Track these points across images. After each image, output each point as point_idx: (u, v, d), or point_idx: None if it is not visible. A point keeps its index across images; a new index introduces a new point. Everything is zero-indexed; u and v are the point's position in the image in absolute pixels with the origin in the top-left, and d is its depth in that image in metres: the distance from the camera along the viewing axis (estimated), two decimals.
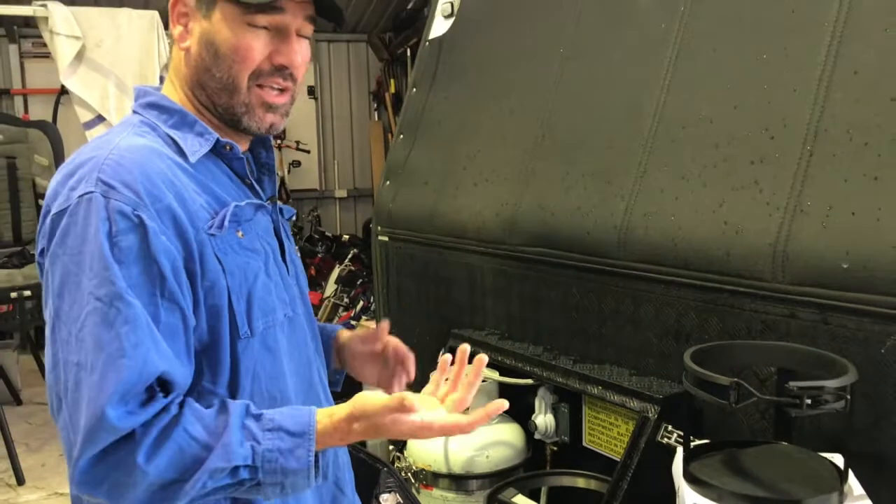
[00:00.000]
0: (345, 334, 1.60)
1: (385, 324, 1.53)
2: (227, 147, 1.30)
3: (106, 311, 1.09)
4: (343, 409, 1.19)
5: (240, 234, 1.26)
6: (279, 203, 1.45)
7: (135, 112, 1.32)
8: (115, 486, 1.10)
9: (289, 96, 1.33)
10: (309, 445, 1.15)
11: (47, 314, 1.16)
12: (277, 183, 1.46)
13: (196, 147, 1.26)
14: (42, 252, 1.18)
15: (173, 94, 1.33)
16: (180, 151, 1.25)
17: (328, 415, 1.19)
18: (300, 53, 1.31)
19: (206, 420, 1.13)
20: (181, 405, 1.14)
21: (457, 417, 1.24)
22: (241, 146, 1.34)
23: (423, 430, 1.20)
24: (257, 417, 1.16)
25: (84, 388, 1.09)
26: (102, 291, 1.10)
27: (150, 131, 1.27)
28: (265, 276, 1.29)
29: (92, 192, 1.13)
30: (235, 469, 1.12)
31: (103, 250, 1.11)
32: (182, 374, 1.15)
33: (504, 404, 1.25)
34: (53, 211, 1.16)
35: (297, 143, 7.83)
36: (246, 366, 1.24)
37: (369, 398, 1.19)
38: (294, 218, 1.59)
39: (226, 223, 1.24)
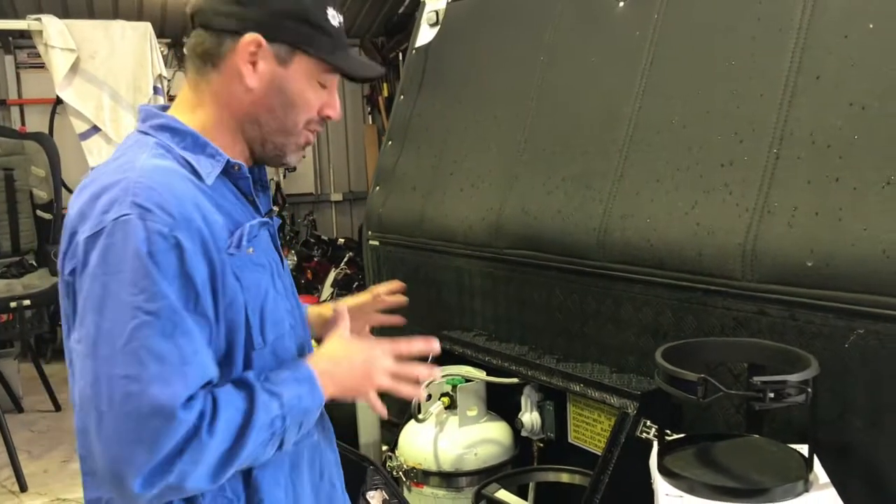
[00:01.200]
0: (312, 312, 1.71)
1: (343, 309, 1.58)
2: (236, 167, 1.38)
3: (162, 325, 1.17)
4: (326, 352, 1.41)
5: (250, 250, 1.35)
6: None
7: (145, 133, 1.37)
8: (181, 474, 1.16)
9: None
10: (317, 385, 1.33)
11: (82, 332, 1.20)
12: (270, 198, 1.54)
13: (209, 168, 1.34)
14: (72, 272, 1.23)
15: (198, 116, 1.39)
16: (194, 172, 1.33)
17: (319, 359, 1.39)
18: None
19: (235, 394, 1.24)
20: (212, 392, 1.24)
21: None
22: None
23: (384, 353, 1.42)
24: (267, 379, 1.30)
25: (139, 398, 1.14)
26: (154, 306, 1.17)
27: (166, 153, 1.33)
28: (273, 289, 1.39)
29: (128, 214, 1.19)
30: (272, 421, 1.25)
31: (148, 268, 1.17)
32: (217, 377, 1.26)
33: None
34: (86, 234, 1.21)
35: None
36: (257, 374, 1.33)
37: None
38: (280, 224, 1.66)
39: (243, 242, 1.32)
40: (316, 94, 1.40)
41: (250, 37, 1.33)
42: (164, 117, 1.38)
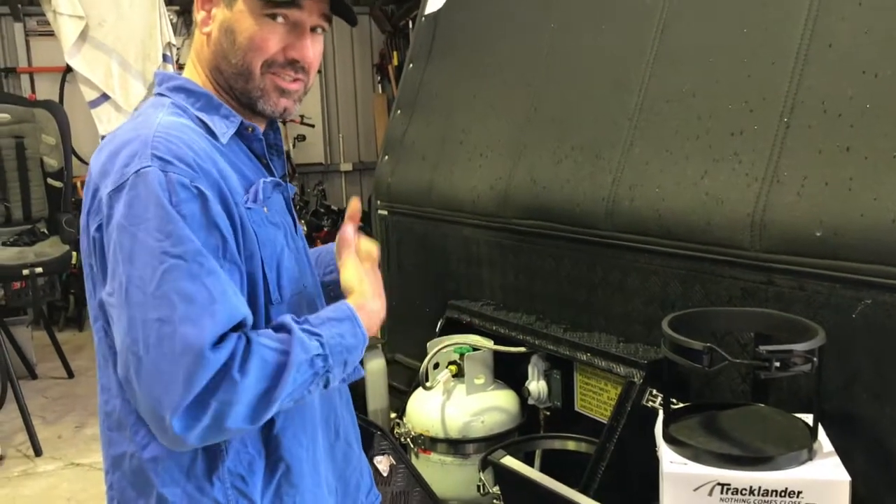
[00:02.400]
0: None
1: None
2: (250, 129, 1.40)
3: (189, 266, 1.19)
4: (353, 290, 1.42)
5: (265, 209, 1.37)
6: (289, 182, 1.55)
7: (161, 95, 1.39)
8: (217, 413, 1.18)
9: (301, 85, 1.42)
10: (358, 323, 1.35)
11: (114, 284, 1.22)
12: (285, 163, 1.55)
13: (224, 129, 1.36)
14: (99, 227, 1.25)
15: (196, 77, 1.41)
16: (210, 132, 1.35)
17: (354, 298, 1.41)
18: (313, 49, 1.40)
19: (272, 335, 1.26)
20: (246, 335, 1.25)
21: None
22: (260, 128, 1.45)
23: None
24: (305, 321, 1.30)
25: (171, 339, 1.16)
26: (180, 249, 1.19)
27: (181, 113, 1.35)
28: (287, 249, 1.41)
29: (149, 166, 1.21)
30: (312, 360, 1.26)
31: (171, 213, 1.20)
32: (251, 319, 1.27)
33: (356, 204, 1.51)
34: (109, 188, 1.23)
35: (302, 117, 7.88)
36: None
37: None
38: (296, 193, 1.68)
39: (259, 197, 1.35)
40: (270, 33, 1.34)
41: None
42: (179, 79, 1.40)
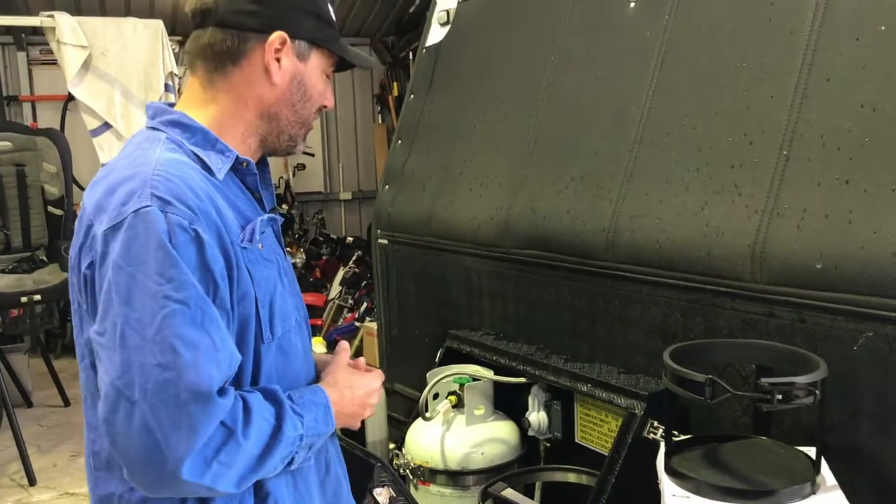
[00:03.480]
0: None
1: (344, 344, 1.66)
2: (244, 164, 1.40)
3: (192, 313, 1.18)
4: (330, 380, 1.47)
5: (260, 246, 1.36)
6: (281, 215, 1.56)
7: (155, 129, 1.38)
8: (217, 473, 1.18)
9: None
10: (331, 411, 1.38)
11: (106, 324, 1.20)
12: (274, 195, 1.56)
13: (220, 164, 1.36)
14: (91, 265, 1.24)
15: (195, 111, 1.40)
16: (206, 167, 1.34)
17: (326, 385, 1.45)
18: None
19: (266, 404, 1.27)
20: (238, 395, 1.25)
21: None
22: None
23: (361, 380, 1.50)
24: (290, 398, 1.33)
25: (175, 385, 1.15)
26: (183, 295, 1.18)
27: (177, 148, 1.34)
28: (281, 285, 1.40)
29: (148, 206, 1.20)
30: (294, 439, 1.28)
31: (173, 258, 1.19)
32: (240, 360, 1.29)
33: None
34: (105, 226, 1.22)
35: None
36: (265, 366, 1.35)
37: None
38: (282, 223, 1.69)
39: (255, 236, 1.34)
40: (325, 86, 1.46)
41: (276, 34, 1.37)
42: (174, 113, 1.39)
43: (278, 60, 1.38)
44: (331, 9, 1.45)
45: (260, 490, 1.34)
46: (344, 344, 1.57)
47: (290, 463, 1.31)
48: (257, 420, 1.23)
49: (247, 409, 1.22)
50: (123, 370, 1.17)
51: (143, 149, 1.32)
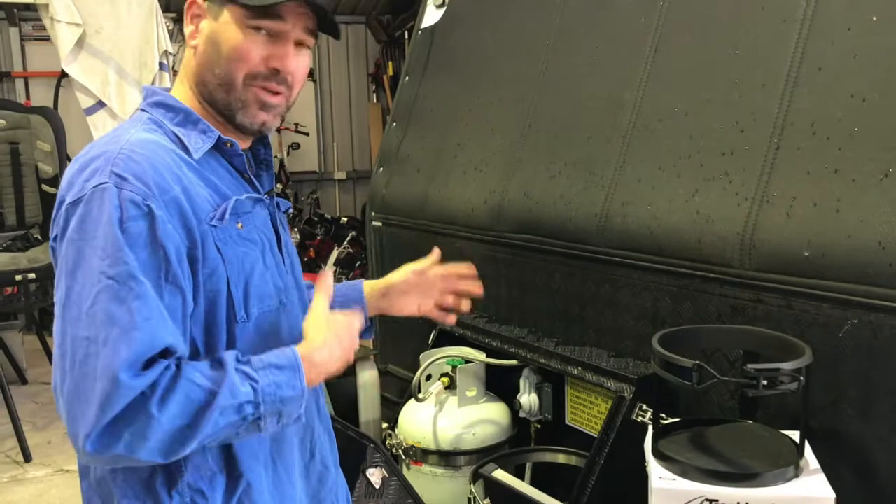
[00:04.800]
0: (374, 284, 1.75)
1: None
2: (228, 144, 1.40)
3: (118, 289, 1.19)
4: (307, 337, 1.37)
5: (239, 225, 1.36)
6: (278, 197, 1.55)
7: (143, 110, 1.41)
8: (129, 444, 1.18)
9: (283, 99, 1.41)
10: (300, 374, 1.30)
11: (58, 295, 1.24)
12: (275, 177, 1.56)
13: (199, 144, 1.36)
14: (56, 238, 1.27)
15: (182, 92, 1.42)
16: (185, 148, 1.35)
17: (303, 346, 1.35)
18: (296, 61, 1.40)
19: (205, 370, 1.24)
20: (178, 365, 1.23)
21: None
22: (243, 144, 1.44)
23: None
24: (247, 362, 1.27)
25: (95, 359, 1.17)
26: (115, 271, 1.20)
27: (157, 128, 1.36)
28: (262, 265, 1.39)
29: (106, 182, 1.23)
30: (241, 406, 1.23)
31: (116, 234, 1.20)
32: (182, 348, 1.26)
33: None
34: (68, 200, 1.25)
35: (296, 125, 7.90)
36: (241, 348, 1.34)
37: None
38: (291, 211, 1.69)
39: (226, 216, 1.34)
40: (253, 43, 1.35)
41: None
42: (161, 94, 1.41)
43: (196, 25, 1.38)
44: None
45: (233, 471, 1.35)
46: (325, 280, 1.45)
47: (259, 430, 1.27)
48: (183, 388, 1.19)
49: (175, 378, 1.20)
50: (62, 339, 1.21)
51: (123, 129, 1.35)
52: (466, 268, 1.78)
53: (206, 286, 1.30)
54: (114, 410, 1.16)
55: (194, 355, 1.31)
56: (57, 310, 1.24)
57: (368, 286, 1.75)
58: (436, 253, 1.78)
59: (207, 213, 1.31)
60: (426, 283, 1.76)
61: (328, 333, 1.37)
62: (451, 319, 1.79)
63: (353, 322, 1.42)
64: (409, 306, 1.76)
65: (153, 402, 1.18)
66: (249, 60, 1.35)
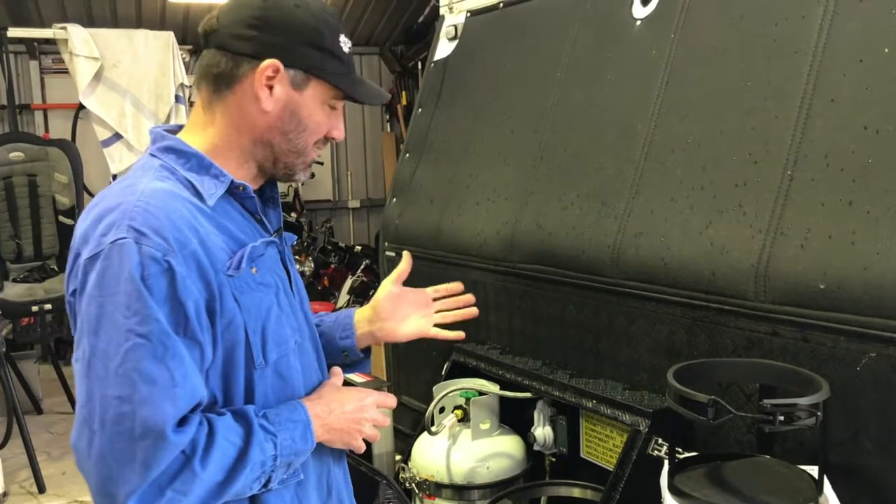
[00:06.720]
0: (363, 310, 1.78)
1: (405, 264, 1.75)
2: (241, 188, 1.41)
3: (153, 348, 1.20)
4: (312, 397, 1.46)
5: (254, 270, 1.37)
6: (286, 230, 1.57)
7: (153, 155, 1.41)
8: (170, 501, 1.20)
9: None
10: (311, 429, 1.38)
11: (79, 352, 1.24)
12: (282, 214, 1.57)
13: (213, 189, 1.37)
14: (74, 293, 1.27)
15: (195, 136, 1.42)
16: (197, 193, 1.36)
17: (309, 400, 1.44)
18: None
19: (234, 427, 1.28)
20: (208, 420, 1.27)
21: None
22: (254, 185, 1.45)
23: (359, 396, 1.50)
24: (265, 416, 1.34)
25: (131, 418, 1.18)
26: (146, 329, 1.20)
27: (169, 175, 1.36)
28: (277, 308, 1.41)
29: (125, 237, 1.23)
30: (264, 461, 1.30)
31: (141, 291, 1.21)
32: (206, 401, 1.30)
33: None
34: (85, 255, 1.25)
35: None
36: (259, 392, 1.37)
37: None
38: (294, 243, 1.71)
39: (243, 265, 1.34)
40: (325, 117, 1.44)
41: (269, 62, 1.36)
42: (170, 139, 1.41)
43: (270, 88, 1.37)
44: (343, 42, 1.42)
45: None
46: (336, 370, 1.58)
47: (266, 483, 1.32)
48: (220, 445, 1.24)
49: (210, 435, 1.23)
50: (87, 399, 1.21)
51: (135, 177, 1.35)
52: (455, 287, 1.87)
53: (224, 336, 1.31)
54: (159, 468, 1.18)
55: (212, 404, 1.32)
56: (79, 368, 1.23)
57: (359, 313, 1.77)
58: (407, 257, 1.83)
59: (224, 263, 1.32)
60: (421, 302, 1.81)
61: (342, 398, 1.47)
62: (458, 335, 1.82)
63: (363, 394, 1.50)
64: (409, 328, 1.79)
65: (196, 459, 1.20)
66: (322, 133, 1.46)
